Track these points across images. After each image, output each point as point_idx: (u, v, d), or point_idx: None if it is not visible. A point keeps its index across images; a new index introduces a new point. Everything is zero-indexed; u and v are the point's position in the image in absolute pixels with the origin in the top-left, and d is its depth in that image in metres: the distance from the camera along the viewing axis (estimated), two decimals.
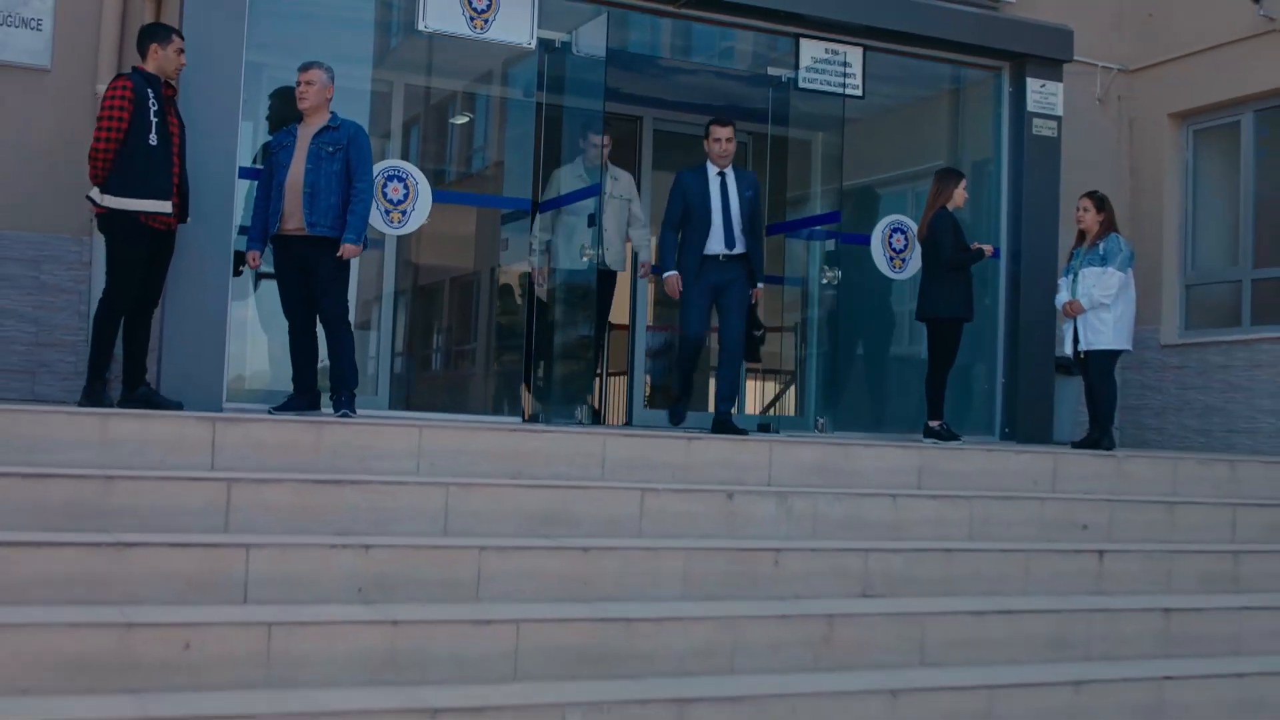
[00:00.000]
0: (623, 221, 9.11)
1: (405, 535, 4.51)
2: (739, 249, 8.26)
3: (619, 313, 9.83)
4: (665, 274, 8.33)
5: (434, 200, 8.15)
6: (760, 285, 8.51)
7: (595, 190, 8.64)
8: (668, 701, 3.82)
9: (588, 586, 4.41)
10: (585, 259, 8.65)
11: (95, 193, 6.75)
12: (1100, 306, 8.63)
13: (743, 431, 7.47)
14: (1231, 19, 10.33)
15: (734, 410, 8.18)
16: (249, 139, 8.03)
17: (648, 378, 10.44)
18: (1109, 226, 8.81)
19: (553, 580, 4.39)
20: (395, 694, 3.70)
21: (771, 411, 10.16)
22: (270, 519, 4.39)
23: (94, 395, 6.59)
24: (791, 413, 10.07)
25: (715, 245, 8.24)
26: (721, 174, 8.32)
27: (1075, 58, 10.46)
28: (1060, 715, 4.31)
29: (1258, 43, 10.22)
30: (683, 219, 8.30)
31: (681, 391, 8.66)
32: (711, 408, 8.82)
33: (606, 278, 9.02)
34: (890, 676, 4.25)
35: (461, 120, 10.04)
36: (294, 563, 4.14)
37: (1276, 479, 6.64)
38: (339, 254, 6.98)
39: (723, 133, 8.30)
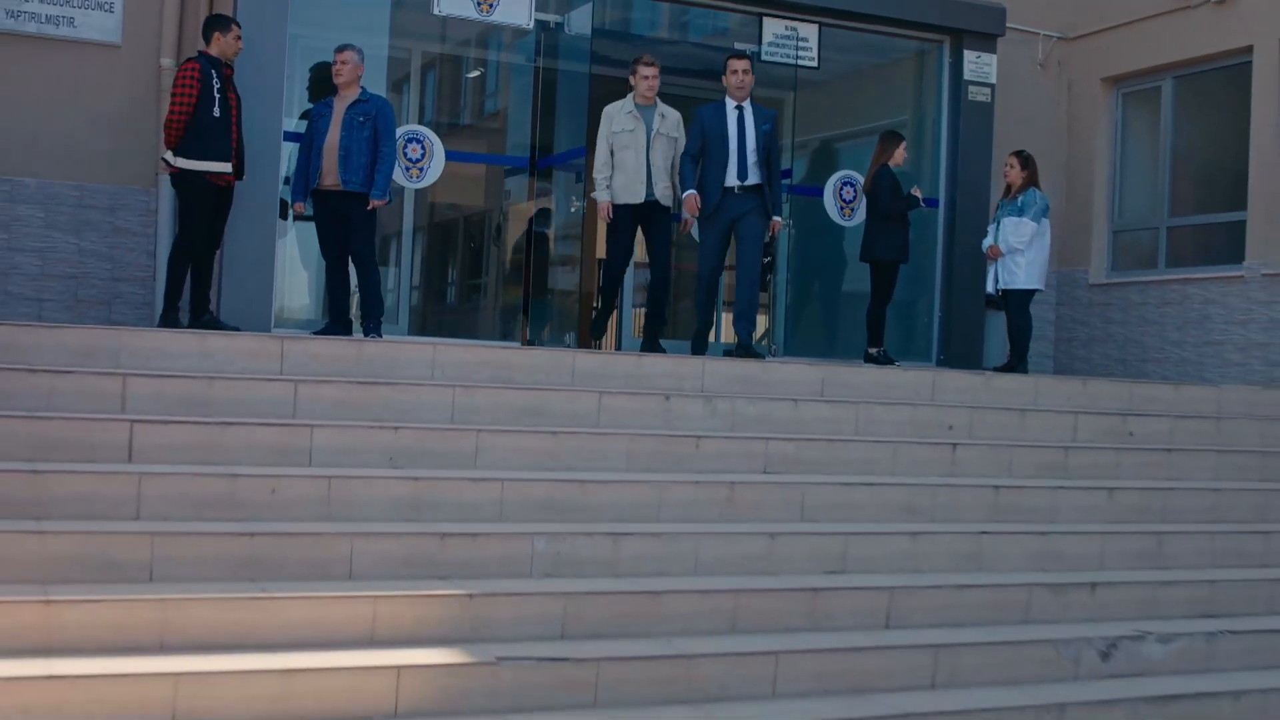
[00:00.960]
0: (669, 158, 9.47)
1: (423, 422, 6.20)
2: (752, 180, 9.13)
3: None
4: (685, 193, 9.15)
5: (446, 159, 9.86)
6: (778, 218, 9.48)
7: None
8: (607, 535, 5.53)
9: (555, 459, 6.11)
10: (574, 209, 10.19)
11: (169, 155, 8.44)
12: (1015, 251, 10.28)
13: (760, 356, 8.84)
14: None
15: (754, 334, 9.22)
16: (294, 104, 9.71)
17: (635, 310, 12.02)
18: (1030, 181, 10.42)
19: (529, 454, 6.10)
20: (416, 525, 5.42)
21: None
22: (325, 408, 6.11)
23: (169, 321, 8.32)
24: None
25: (731, 178, 9.13)
26: (739, 108, 9.22)
27: (1021, 27, 12.09)
28: (900, 558, 6.00)
29: (1176, 17, 11.73)
30: (701, 151, 9.16)
31: (702, 325, 9.48)
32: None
33: (659, 211, 9.44)
34: (774, 526, 5.95)
35: (474, 74, 11.62)
36: (344, 438, 5.85)
37: (1120, 393, 8.31)
38: (368, 206, 8.66)
39: (739, 65, 9.23)
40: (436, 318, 11.45)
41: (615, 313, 10.50)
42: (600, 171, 9.27)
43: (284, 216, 9.17)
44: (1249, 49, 11.11)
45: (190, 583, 4.79)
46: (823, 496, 6.26)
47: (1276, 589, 6.48)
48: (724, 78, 9.29)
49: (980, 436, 7.26)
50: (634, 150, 9.17)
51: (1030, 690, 5.36)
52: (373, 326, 8.60)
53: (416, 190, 10.17)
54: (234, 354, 6.42)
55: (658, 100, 9.32)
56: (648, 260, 9.86)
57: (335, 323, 8.86)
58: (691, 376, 7.13)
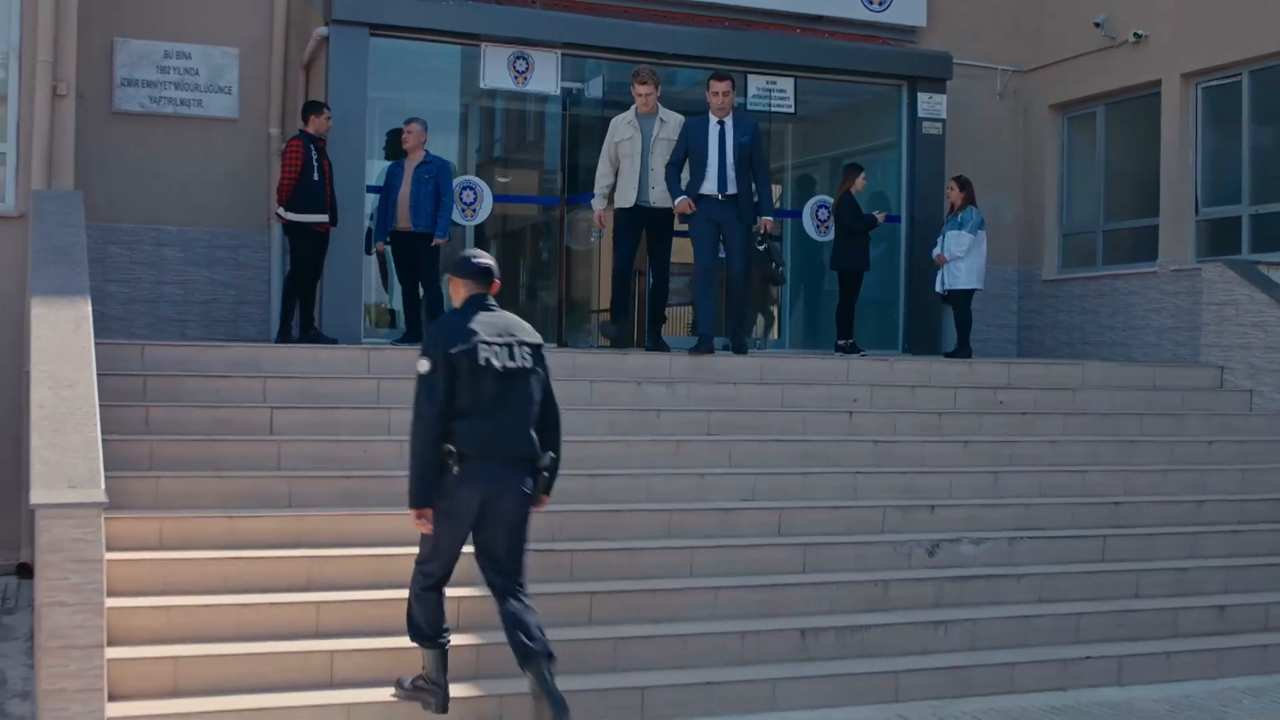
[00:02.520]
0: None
1: None
2: (730, 190, 10.28)
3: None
4: (676, 199, 10.38)
5: (494, 200, 12.89)
6: (768, 217, 10.66)
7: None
8: (587, 475, 8.39)
9: None
10: (594, 237, 12.94)
11: (281, 210, 11.53)
12: (956, 258, 13.06)
13: (746, 350, 10.45)
14: (1088, 35, 14.49)
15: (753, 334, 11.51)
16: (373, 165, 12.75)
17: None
18: (968, 200, 13.20)
19: None
20: None
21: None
22: (399, 396, 9.06)
23: (284, 336, 11.41)
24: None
25: (710, 186, 10.33)
26: (721, 123, 10.38)
27: (983, 63, 14.89)
28: (794, 490, 8.83)
29: (1104, 54, 14.41)
30: (684, 159, 10.32)
31: (701, 317, 10.66)
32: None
33: (656, 215, 10.73)
34: (706, 469, 8.83)
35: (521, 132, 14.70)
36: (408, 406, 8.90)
37: (1000, 372, 11.06)
38: (433, 243, 11.65)
39: (719, 86, 10.43)
40: None
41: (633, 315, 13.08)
42: (599, 181, 10.91)
43: (369, 252, 12.21)
44: (1158, 82, 13.79)
45: (314, 507, 7.83)
46: (746, 450, 9.16)
47: (1078, 511, 9.25)
48: (707, 96, 10.57)
49: (876, 407, 10.11)
50: (630, 158, 10.68)
51: (870, 573, 8.23)
52: None
53: (473, 226, 13.16)
54: (336, 360, 9.47)
55: (659, 107, 10.80)
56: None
57: (410, 333, 11.88)
58: (660, 368, 10.07)
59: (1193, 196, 13.51)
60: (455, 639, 6.77)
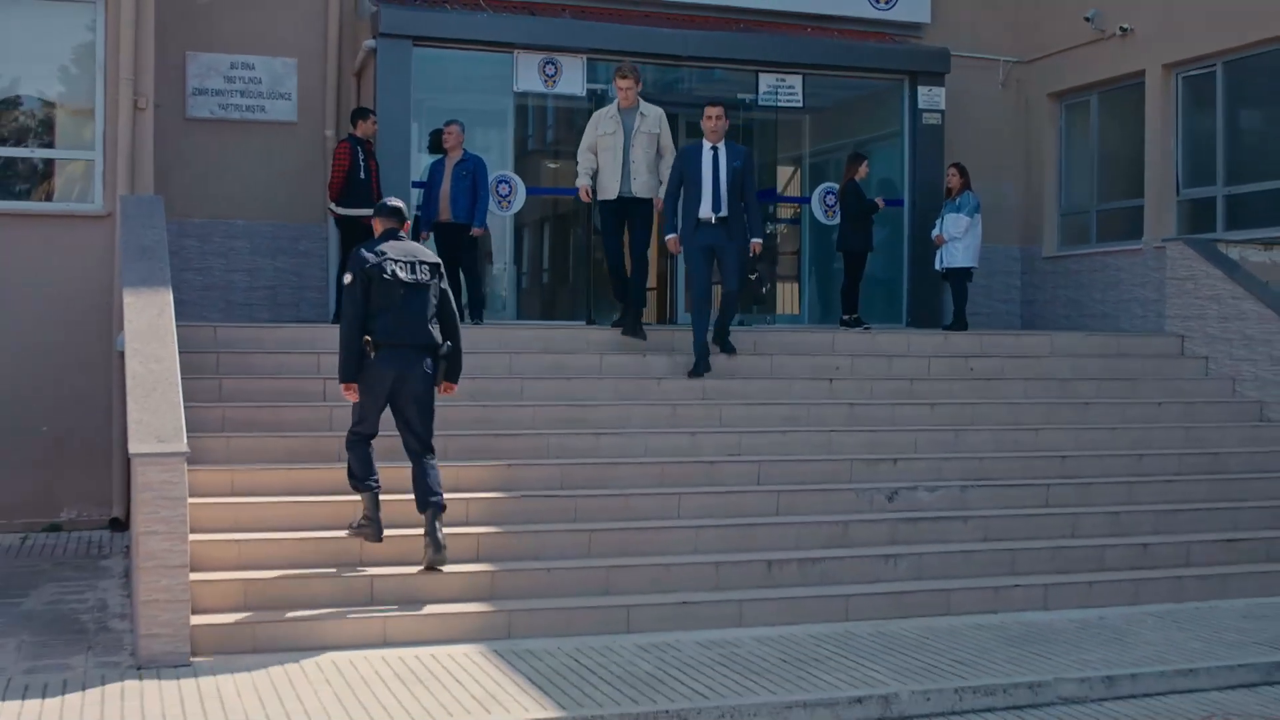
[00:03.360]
0: (651, 153, 11.39)
1: (492, 374, 10.75)
2: (724, 212, 10.88)
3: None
4: (666, 237, 11.46)
5: (527, 193, 14.47)
6: (757, 240, 11.25)
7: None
8: (593, 434, 10.00)
9: (568, 395, 10.62)
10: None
11: (333, 206, 13.15)
12: (954, 239, 14.47)
13: (734, 350, 11.31)
14: (1081, 28, 15.80)
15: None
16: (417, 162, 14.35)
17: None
18: (965, 185, 14.60)
19: (554, 392, 10.62)
20: (483, 430, 10.01)
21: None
22: None
23: (339, 317, 13.03)
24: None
25: (705, 210, 10.95)
26: (714, 148, 10.94)
27: (986, 55, 16.25)
28: (775, 447, 10.25)
29: (1096, 45, 15.72)
30: (680, 186, 10.97)
31: (695, 339, 11.15)
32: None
33: (638, 204, 11.43)
34: (698, 429, 10.35)
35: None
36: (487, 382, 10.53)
37: (974, 342, 12.45)
38: (471, 233, 13.22)
39: (712, 111, 11.00)
40: (533, 304, 16.05)
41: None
42: (582, 163, 11.61)
43: (414, 240, 13.80)
44: (1142, 72, 15.10)
45: None
46: (734, 412, 10.69)
47: (1028, 463, 10.68)
48: (701, 122, 11.18)
49: (855, 374, 11.59)
50: (612, 152, 11.36)
51: (834, 515, 9.72)
52: (476, 315, 13.21)
53: (509, 216, 14.71)
54: None
55: (640, 101, 11.46)
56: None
57: None
58: (664, 342, 11.61)
59: (1174, 179, 14.82)
60: (474, 566, 8.44)
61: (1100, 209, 16.04)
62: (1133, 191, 15.40)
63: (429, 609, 8.23)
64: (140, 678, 7.30)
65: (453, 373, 8.70)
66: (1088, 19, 15.57)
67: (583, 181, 11.75)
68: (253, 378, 10.27)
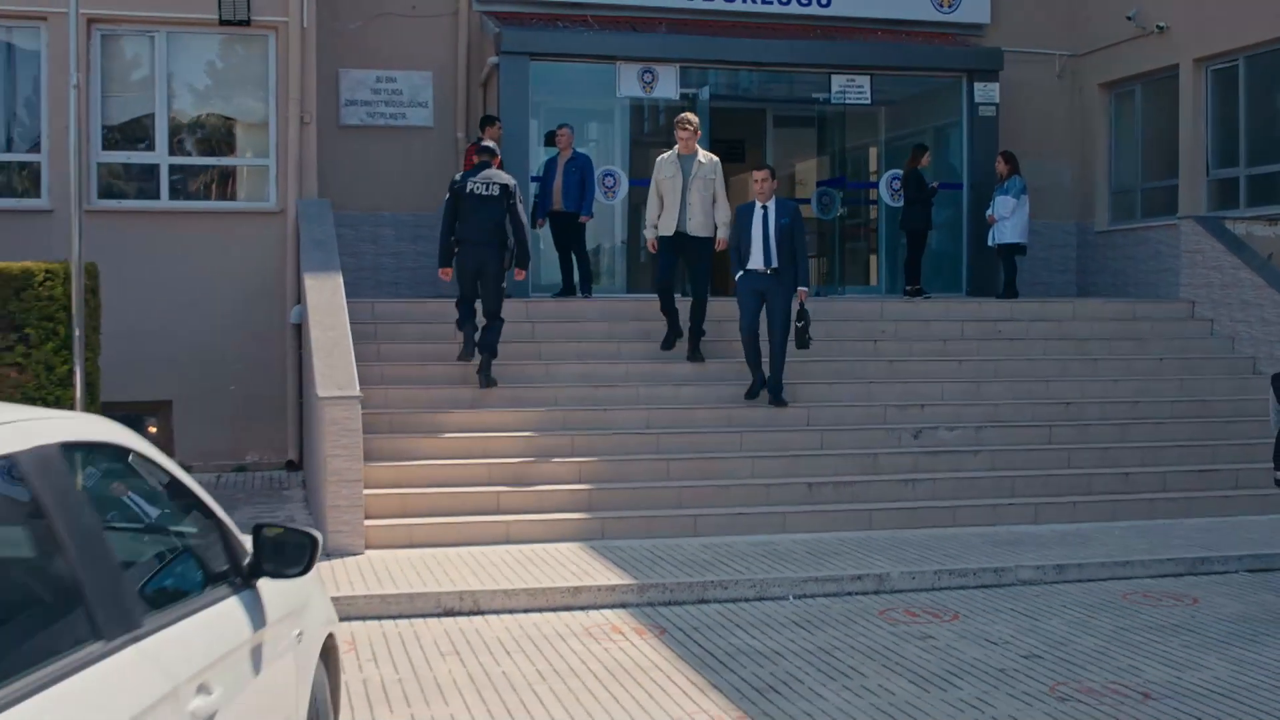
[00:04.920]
0: (707, 197, 13.00)
1: (596, 339, 13.53)
2: (774, 264, 12.36)
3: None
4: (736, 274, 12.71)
5: (629, 184, 17.25)
6: (803, 289, 12.51)
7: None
8: (672, 386, 12.76)
9: (655, 356, 13.41)
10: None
11: None
12: (1003, 219, 16.93)
13: (785, 403, 12.58)
14: (1125, 26, 18.08)
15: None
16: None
17: None
18: (1013, 171, 17.04)
19: (642, 353, 13.40)
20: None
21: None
22: (549, 336, 13.55)
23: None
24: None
25: (755, 262, 12.47)
26: (764, 207, 12.51)
27: (1045, 50, 18.63)
28: (824, 395, 13.00)
29: (1137, 42, 17.99)
30: (739, 240, 12.53)
31: (752, 372, 12.68)
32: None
33: (693, 241, 13.04)
34: (730, 401, 13.11)
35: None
36: (552, 349, 13.31)
37: (1004, 309, 14.89)
38: (580, 220, 16.00)
39: (759, 175, 12.61)
40: (637, 278, 18.78)
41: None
42: (649, 215, 13.29)
43: (534, 228, 16.68)
44: (1176, 66, 17.37)
45: (487, 406, 12.31)
46: (791, 368, 13.33)
47: (1037, 409, 13.18)
48: (751, 185, 12.81)
49: (898, 337, 14.17)
50: (672, 193, 12.99)
51: (867, 449, 12.35)
52: (585, 289, 15.99)
53: (616, 204, 17.49)
54: (506, 310, 13.93)
55: (698, 148, 13.11)
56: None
57: (566, 289, 16.28)
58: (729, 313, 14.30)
59: (1204, 160, 17.08)
60: (577, 486, 11.29)
61: (1144, 188, 18.34)
62: (1171, 172, 17.66)
63: (541, 516, 11.06)
64: (328, 560, 10.25)
65: (520, 262, 12.55)
66: (1130, 18, 17.83)
67: (648, 234, 13.39)
68: (403, 343, 13.19)
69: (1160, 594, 9.87)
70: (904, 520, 11.61)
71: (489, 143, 13.08)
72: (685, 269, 13.62)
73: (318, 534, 4.63)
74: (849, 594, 9.80)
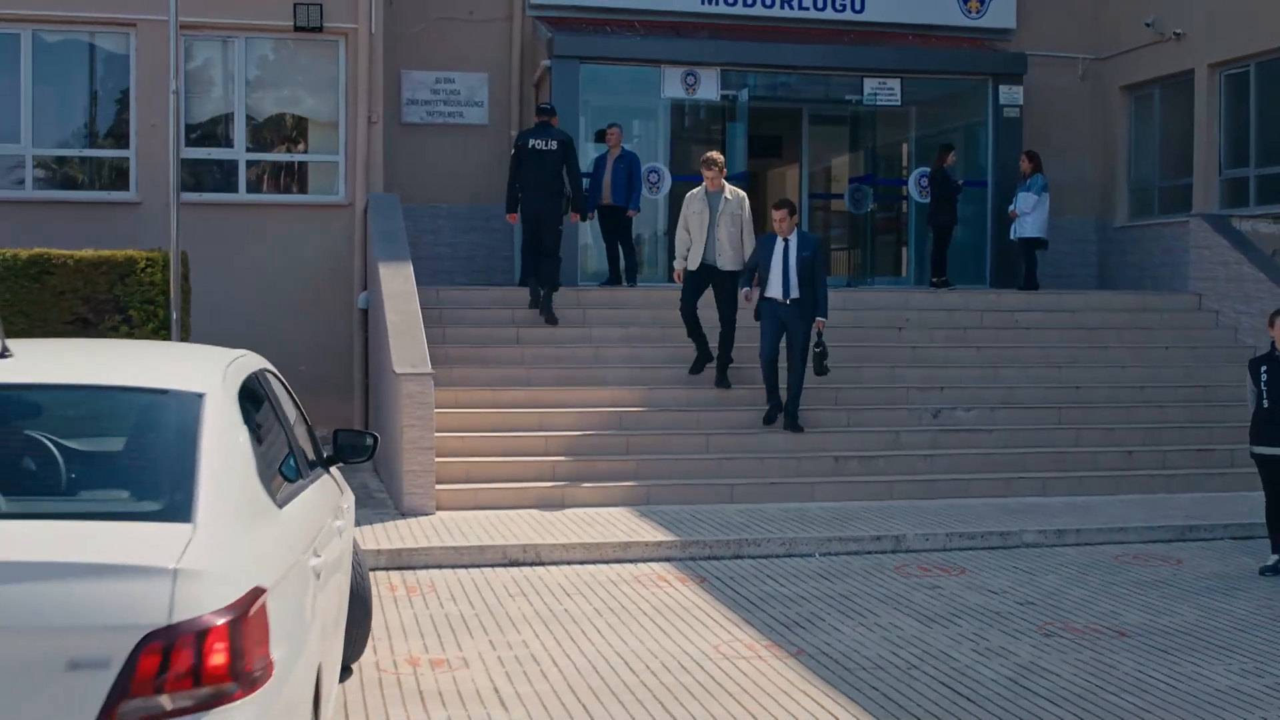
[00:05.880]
0: (735, 232, 13.59)
1: (644, 325, 14.85)
2: (794, 295, 12.98)
3: None
4: (741, 288, 13.47)
5: (673, 180, 18.56)
6: (822, 319, 13.17)
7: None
8: (673, 385, 14.11)
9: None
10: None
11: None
12: (1025, 214, 18.15)
13: (801, 429, 13.24)
14: (1145, 31, 19.24)
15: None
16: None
17: None
18: (1035, 169, 18.25)
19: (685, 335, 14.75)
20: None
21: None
22: (598, 321, 14.86)
23: (523, 281, 17.30)
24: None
25: (774, 291, 13.13)
26: (786, 241, 13.14)
27: (1069, 54, 19.83)
28: (852, 377, 14.27)
29: (1156, 47, 19.13)
30: (755, 267, 13.18)
31: (769, 396, 13.31)
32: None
33: (721, 275, 13.65)
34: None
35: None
36: (602, 333, 14.63)
37: (1020, 299, 16.17)
38: (627, 214, 17.30)
39: (777, 214, 13.28)
40: None
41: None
42: (678, 246, 13.86)
43: (583, 218, 18.01)
44: (1192, 70, 18.55)
45: (542, 385, 13.64)
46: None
47: (1049, 392, 14.41)
48: (771, 223, 13.45)
49: (921, 325, 15.44)
50: (699, 229, 13.64)
51: (890, 427, 13.65)
52: (630, 277, 17.29)
53: (660, 198, 18.79)
54: (558, 297, 15.26)
55: (725, 185, 13.76)
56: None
57: (614, 278, 17.57)
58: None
59: (1217, 160, 18.25)
60: (625, 457, 12.65)
61: (1161, 185, 19.51)
62: (1186, 171, 18.81)
63: (593, 484, 12.40)
64: (404, 518, 11.63)
65: (576, 207, 15.05)
66: (1149, 24, 18.99)
67: (677, 265, 13.99)
68: (465, 326, 14.55)
69: (1149, 556, 11.13)
70: (922, 491, 12.88)
71: (545, 104, 15.62)
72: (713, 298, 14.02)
73: (377, 435, 6.95)
74: (868, 552, 11.10)
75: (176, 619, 3.70)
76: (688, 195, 14.12)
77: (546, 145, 14.73)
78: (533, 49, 18.78)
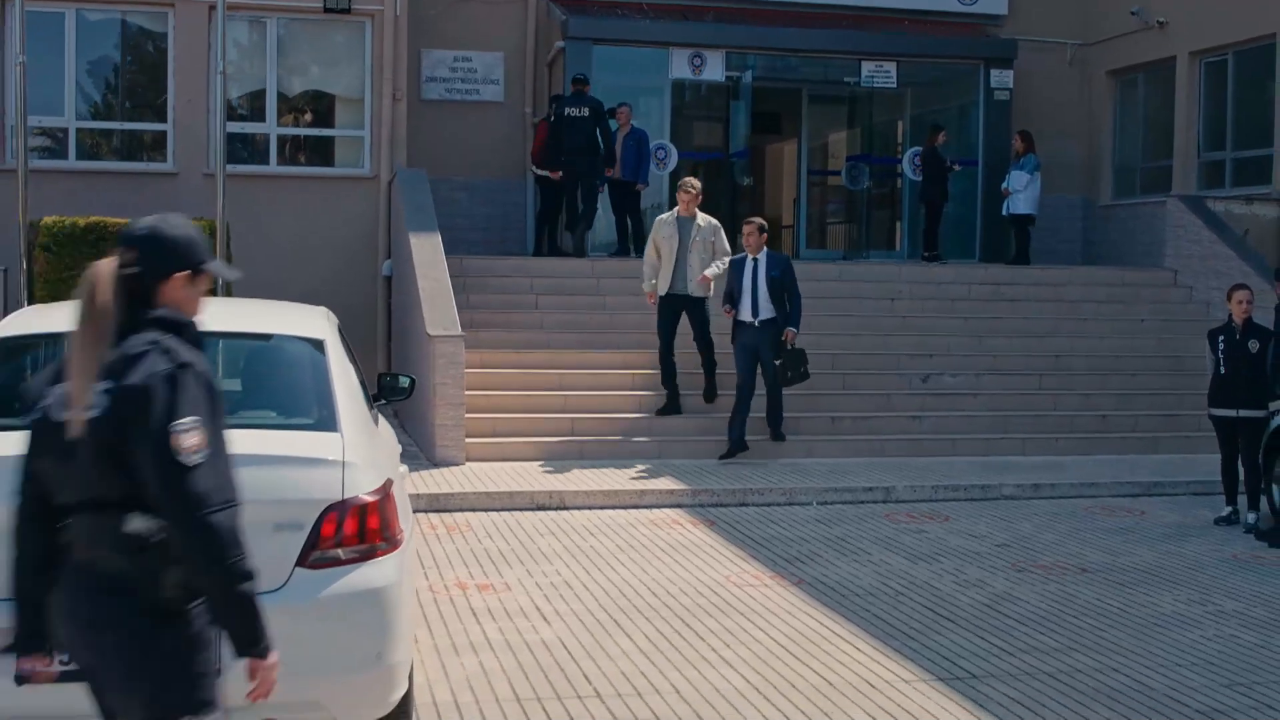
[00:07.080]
0: (707, 259, 13.52)
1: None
2: (763, 316, 13.07)
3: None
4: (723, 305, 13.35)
5: (679, 155, 19.72)
6: (792, 329, 13.12)
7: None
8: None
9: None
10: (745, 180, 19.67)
11: (533, 167, 18.51)
12: (1017, 191, 19.31)
13: (784, 438, 13.53)
14: (1130, 19, 20.41)
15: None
16: None
17: None
18: (1029, 149, 19.41)
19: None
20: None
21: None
22: (611, 290, 16.03)
23: (538, 250, 18.45)
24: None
25: (745, 314, 13.17)
26: (755, 260, 13.16)
27: (1057, 39, 20.99)
28: (846, 344, 15.45)
29: (1140, 34, 20.29)
30: (730, 287, 13.20)
31: (737, 423, 13.34)
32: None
33: (692, 302, 13.70)
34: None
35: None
36: (617, 300, 15.81)
37: (1005, 274, 17.36)
38: (635, 188, 18.44)
39: (748, 229, 13.29)
40: None
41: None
42: (646, 267, 13.84)
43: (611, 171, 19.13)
44: (1174, 57, 19.71)
45: (561, 348, 14.83)
46: (819, 322, 15.72)
47: (1030, 360, 15.58)
48: (740, 239, 13.42)
49: (912, 296, 16.62)
50: (668, 255, 13.60)
51: (881, 390, 14.83)
52: (639, 249, 18.41)
53: (666, 174, 19.93)
54: (572, 265, 16.44)
55: (697, 212, 13.71)
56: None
57: (623, 250, 18.73)
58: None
59: (1196, 144, 19.43)
60: (638, 414, 13.82)
61: (1143, 167, 20.70)
62: (1167, 154, 20.00)
63: (609, 438, 13.59)
64: (437, 468, 12.83)
65: (609, 162, 16.99)
66: (1134, 13, 20.13)
67: (646, 287, 13.91)
68: (488, 293, 15.72)
69: (1115, 508, 12.33)
70: (911, 449, 14.09)
71: (580, 76, 17.32)
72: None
73: (414, 378, 8.37)
74: (861, 502, 12.32)
75: (346, 496, 5.23)
76: (658, 220, 14.11)
77: (580, 111, 16.78)
78: (547, 30, 19.89)
